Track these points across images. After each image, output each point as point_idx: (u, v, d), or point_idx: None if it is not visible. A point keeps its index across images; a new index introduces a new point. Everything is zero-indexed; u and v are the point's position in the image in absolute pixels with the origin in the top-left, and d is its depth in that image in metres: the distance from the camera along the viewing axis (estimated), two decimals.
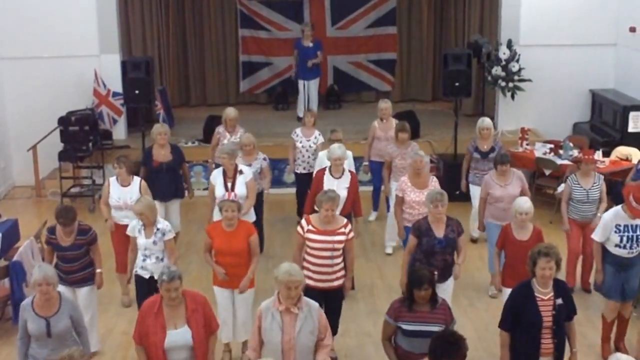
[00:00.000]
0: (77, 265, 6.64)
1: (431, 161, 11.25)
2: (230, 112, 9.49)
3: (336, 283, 6.50)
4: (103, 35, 11.45)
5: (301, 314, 5.12)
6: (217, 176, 7.96)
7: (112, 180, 7.84)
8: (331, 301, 6.57)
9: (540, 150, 10.60)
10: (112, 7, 11.52)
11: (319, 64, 12.82)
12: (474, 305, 7.73)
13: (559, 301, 5.41)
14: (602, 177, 7.86)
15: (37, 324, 5.40)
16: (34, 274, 5.45)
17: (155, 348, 5.15)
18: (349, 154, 9.10)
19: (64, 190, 10.83)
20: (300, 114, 12.58)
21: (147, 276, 6.66)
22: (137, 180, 7.86)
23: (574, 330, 5.59)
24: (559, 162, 10.15)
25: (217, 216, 7.66)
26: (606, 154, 10.22)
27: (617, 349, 6.91)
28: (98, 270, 6.78)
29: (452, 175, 9.85)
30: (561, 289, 5.48)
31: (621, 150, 10.38)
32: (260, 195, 8.79)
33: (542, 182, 10.41)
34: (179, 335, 5.18)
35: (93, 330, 6.83)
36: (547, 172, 10.30)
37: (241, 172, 7.92)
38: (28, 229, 8.68)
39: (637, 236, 6.70)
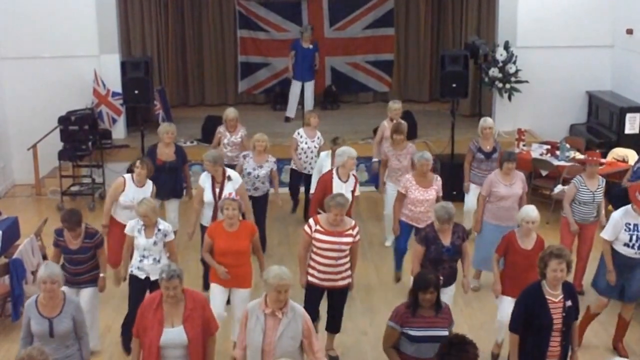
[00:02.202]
0: (84, 268, 6.68)
1: None
2: (229, 112, 9.55)
3: (341, 283, 6.57)
4: (103, 35, 11.51)
5: (285, 319, 5.12)
6: (205, 180, 7.88)
7: (128, 177, 7.80)
8: (336, 300, 6.67)
9: (536, 152, 10.65)
10: (112, 8, 11.58)
11: (316, 66, 12.92)
12: (469, 304, 7.77)
13: (569, 303, 5.40)
14: (604, 179, 7.89)
15: (41, 323, 5.43)
16: (39, 271, 5.49)
17: (150, 343, 5.19)
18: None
19: (64, 188, 10.88)
20: (290, 115, 12.64)
21: (142, 276, 6.68)
22: (150, 183, 7.84)
23: (576, 331, 5.61)
24: (556, 163, 10.19)
25: (204, 221, 7.70)
26: (603, 156, 10.26)
27: (615, 349, 6.93)
28: (101, 275, 6.80)
29: (449, 176, 9.85)
30: (570, 291, 5.47)
31: (617, 152, 10.43)
32: (265, 197, 8.85)
33: (539, 183, 10.46)
34: (175, 334, 5.20)
35: (94, 330, 6.89)
36: (544, 173, 10.35)
37: (229, 178, 7.84)
38: (28, 227, 8.73)
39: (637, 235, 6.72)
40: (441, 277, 5.61)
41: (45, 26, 11.30)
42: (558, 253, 5.32)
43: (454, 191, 9.31)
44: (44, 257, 8.11)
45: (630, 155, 10.19)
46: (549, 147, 10.64)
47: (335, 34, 14.08)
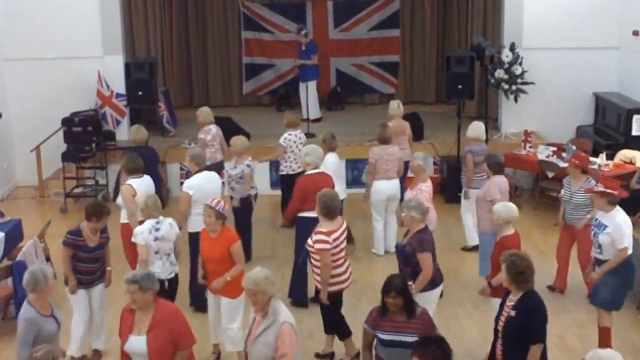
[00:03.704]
0: (98, 265, 6.71)
1: (434, 163, 11.27)
2: (197, 113, 9.74)
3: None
4: (107, 36, 11.49)
5: (263, 322, 4.92)
6: None
7: (132, 182, 7.70)
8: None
9: (543, 153, 10.59)
10: (116, 9, 11.56)
11: (318, 66, 12.88)
12: (478, 308, 7.66)
13: (512, 313, 5.07)
14: (592, 181, 7.55)
15: (50, 323, 5.42)
16: (25, 277, 5.44)
17: (122, 347, 5.19)
18: (331, 159, 8.68)
19: (67, 190, 10.86)
20: (304, 116, 12.59)
21: None
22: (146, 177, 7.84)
23: (531, 358, 5.02)
24: (562, 164, 10.12)
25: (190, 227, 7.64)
26: (610, 157, 10.20)
27: None
28: (108, 268, 6.82)
29: (455, 177, 9.85)
30: (525, 305, 5.05)
31: (625, 153, 10.35)
32: (247, 200, 8.68)
33: (545, 184, 10.41)
34: (138, 342, 5.09)
35: (103, 328, 6.94)
36: (550, 174, 10.29)
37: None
38: (31, 229, 8.71)
39: (595, 232, 6.51)
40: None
41: (48, 27, 11.29)
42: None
43: (459, 193, 9.22)
44: (48, 259, 8.07)
45: (638, 156, 10.13)
46: (555, 148, 10.59)
47: (340, 35, 14.05)
